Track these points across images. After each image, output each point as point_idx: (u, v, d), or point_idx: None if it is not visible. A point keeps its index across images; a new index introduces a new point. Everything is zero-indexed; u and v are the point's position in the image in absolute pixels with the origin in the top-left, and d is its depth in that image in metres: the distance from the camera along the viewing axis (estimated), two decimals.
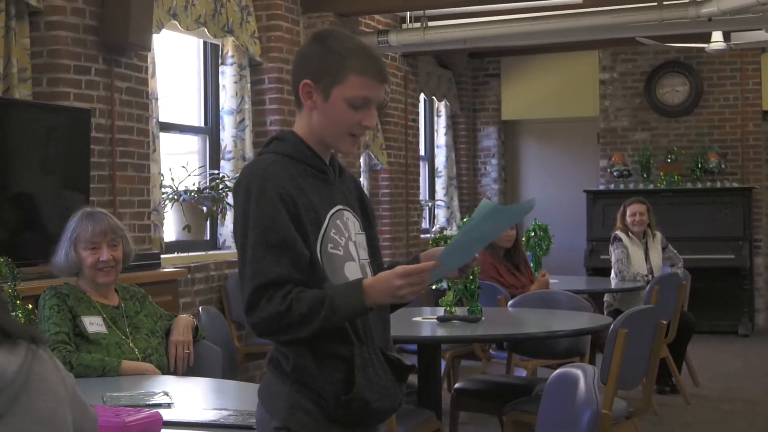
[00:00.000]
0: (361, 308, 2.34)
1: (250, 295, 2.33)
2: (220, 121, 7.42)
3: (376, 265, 2.56)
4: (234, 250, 7.28)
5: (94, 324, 3.71)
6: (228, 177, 7.21)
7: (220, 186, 7.01)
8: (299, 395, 2.37)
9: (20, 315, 3.56)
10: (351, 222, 2.52)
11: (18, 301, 3.62)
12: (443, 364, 6.15)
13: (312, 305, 2.30)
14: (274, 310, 2.30)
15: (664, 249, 7.74)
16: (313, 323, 2.31)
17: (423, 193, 10.94)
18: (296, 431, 2.37)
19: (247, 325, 2.39)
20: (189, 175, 6.98)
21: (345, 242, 2.47)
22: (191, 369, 3.90)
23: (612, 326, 4.51)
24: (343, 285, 2.39)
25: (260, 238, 2.34)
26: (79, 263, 3.80)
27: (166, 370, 3.79)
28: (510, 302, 5.89)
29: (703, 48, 9.40)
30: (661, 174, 10.99)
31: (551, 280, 6.95)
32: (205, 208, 6.94)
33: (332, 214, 2.46)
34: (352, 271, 2.45)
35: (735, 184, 10.81)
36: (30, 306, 3.68)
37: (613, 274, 7.64)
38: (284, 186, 2.38)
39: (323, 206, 2.45)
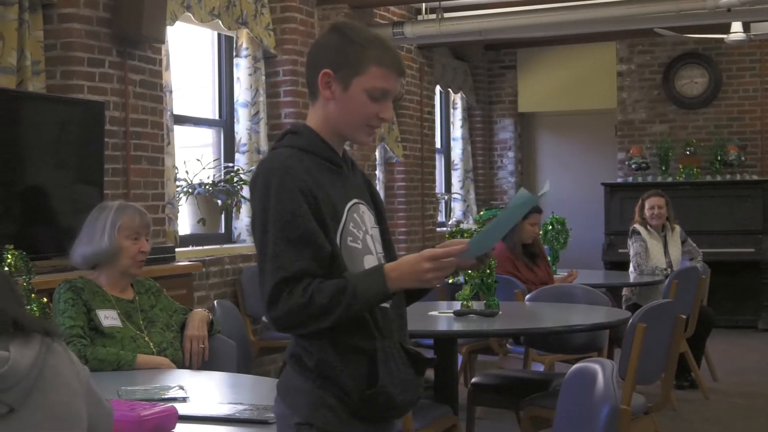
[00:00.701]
0: (383, 293, 2.34)
1: (272, 289, 2.32)
2: (235, 113, 7.43)
3: (390, 259, 2.56)
4: (249, 243, 7.30)
5: (108, 318, 3.72)
6: (243, 170, 7.21)
7: (235, 179, 7.01)
8: (322, 391, 2.37)
9: (35, 309, 3.58)
10: (367, 215, 2.53)
11: (32, 295, 3.63)
12: (460, 358, 6.14)
13: (333, 294, 2.30)
14: (295, 303, 2.30)
15: (683, 242, 7.72)
16: (336, 312, 2.30)
17: (439, 187, 10.93)
18: (319, 427, 2.36)
19: (268, 319, 2.38)
20: (203, 168, 6.99)
21: (363, 235, 2.47)
22: (206, 363, 3.90)
23: (630, 321, 4.50)
24: (364, 272, 2.38)
25: (281, 232, 2.34)
26: (119, 251, 3.81)
27: (181, 364, 3.80)
28: (527, 296, 5.88)
29: (722, 39, 9.35)
30: (680, 167, 10.95)
31: (563, 273, 6.95)
32: (219, 202, 6.95)
33: (350, 208, 2.46)
34: (371, 265, 2.45)
35: (755, 177, 10.75)
36: (45, 299, 3.69)
37: (631, 268, 7.62)
38: (303, 179, 2.38)
39: (341, 199, 2.45)
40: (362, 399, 2.37)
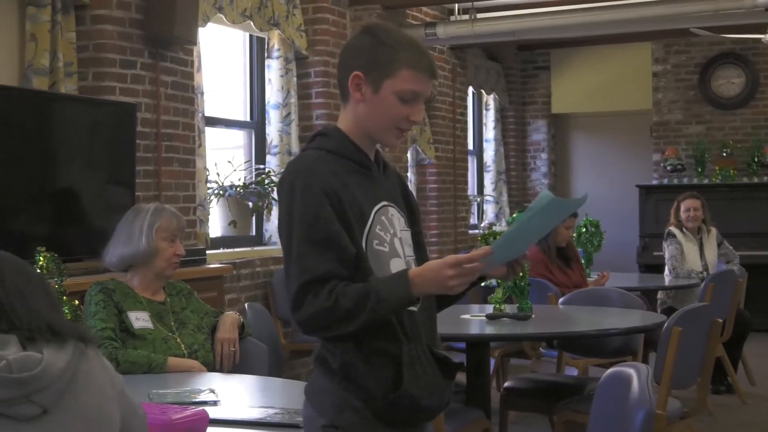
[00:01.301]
0: (407, 298, 2.34)
1: (296, 292, 2.33)
2: (266, 115, 7.45)
3: (422, 262, 2.56)
4: (280, 245, 7.30)
5: (140, 319, 3.74)
6: (274, 172, 7.23)
7: (266, 181, 7.03)
8: (347, 393, 2.37)
9: (66, 311, 3.60)
10: (396, 218, 2.52)
11: (64, 297, 3.66)
12: (492, 362, 6.13)
13: (358, 299, 2.30)
14: (320, 306, 2.30)
15: (719, 245, 7.67)
16: (360, 317, 2.31)
17: (471, 189, 10.92)
18: (344, 429, 2.37)
19: (293, 322, 2.39)
20: (234, 170, 7.01)
21: (390, 238, 2.47)
22: (237, 366, 3.92)
23: (666, 324, 4.48)
24: (389, 276, 2.38)
25: (305, 234, 2.35)
26: (156, 253, 3.84)
27: (212, 367, 3.81)
28: (561, 300, 5.86)
29: (760, 39, 9.28)
30: (716, 168, 10.88)
31: (597, 277, 6.92)
32: (250, 204, 6.97)
33: (377, 210, 2.46)
34: (398, 268, 2.44)
35: None
36: (76, 302, 3.72)
37: (666, 271, 7.58)
38: (328, 182, 2.39)
39: (368, 202, 2.45)
40: (386, 402, 2.37)
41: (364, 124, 2.49)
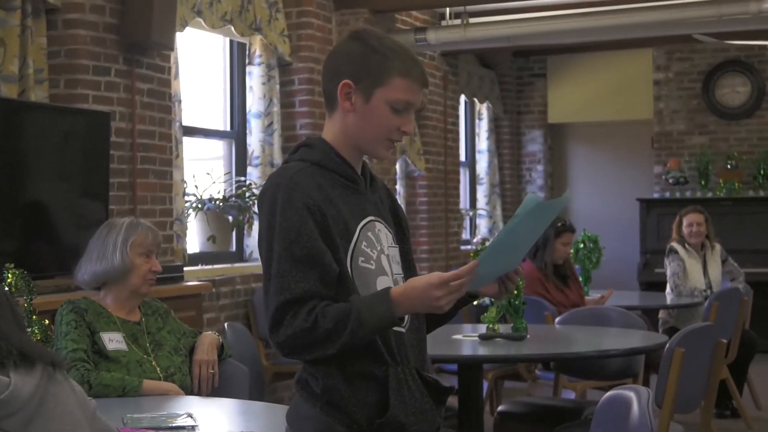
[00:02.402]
0: (390, 319, 2.33)
1: (275, 312, 2.34)
2: (247, 124, 7.45)
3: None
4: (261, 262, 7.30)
5: (113, 341, 3.73)
6: (255, 184, 7.23)
7: (247, 194, 7.03)
8: (330, 418, 2.38)
9: (36, 331, 3.59)
10: (383, 234, 2.52)
11: (34, 317, 3.65)
12: (485, 385, 6.13)
13: (338, 319, 2.30)
14: (298, 328, 2.31)
15: (723, 262, 7.69)
16: (340, 338, 2.31)
17: (463, 202, 10.93)
18: None
19: (272, 343, 2.39)
20: (214, 182, 7.02)
21: (377, 255, 2.47)
22: (216, 389, 3.91)
23: (668, 345, 4.48)
24: (370, 296, 2.38)
25: (286, 251, 2.35)
26: (131, 270, 3.83)
27: (189, 390, 3.81)
28: (557, 319, 5.87)
29: (766, 46, 9.34)
30: (721, 181, 10.91)
31: (596, 295, 6.94)
32: (230, 218, 6.97)
33: (363, 226, 2.47)
34: (385, 286, 2.44)
35: None
36: (46, 321, 3.71)
37: (668, 289, 7.60)
38: (311, 196, 2.39)
39: (353, 217, 2.45)
40: (371, 429, 2.37)
41: (353, 135, 2.49)
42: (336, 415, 2.37)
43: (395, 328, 2.42)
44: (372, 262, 2.46)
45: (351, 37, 2.54)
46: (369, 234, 2.48)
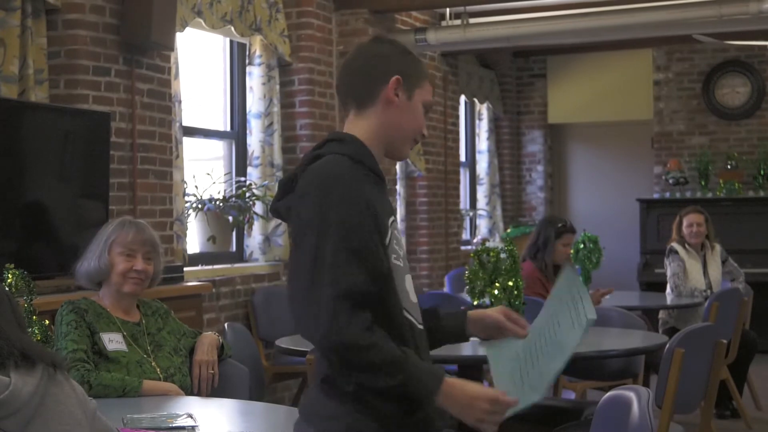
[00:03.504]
0: (428, 400, 2.37)
1: (330, 302, 2.32)
2: (247, 125, 7.45)
3: None
4: (261, 262, 7.31)
5: (113, 341, 3.73)
6: (255, 184, 7.23)
7: (247, 194, 7.03)
8: (361, 415, 2.39)
9: (36, 331, 3.59)
10: (400, 233, 2.58)
11: (34, 317, 3.65)
12: (485, 385, 6.13)
13: (391, 363, 2.32)
14: (355, 341, 2.31)
15: (723, 262, 7.69)
16: (381, 380, 2.33)
17: (463, 202, 10.93)
18: None
19: (319, 337, 2.36)
20: (214, 182, 7.01)
21: (403, 254, 2.53)
22: (216, 390, 3.91)
23: (668, 345, 4.48)
24: (427, 367, 2.40)
25: (342, 242, 2.35)
26: (110, 269, 3.83)
27: (189, 391, 3.81)
28: None
29: (766, 46, 9.34)
30: (721, 181, 10.91)
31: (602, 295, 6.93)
32: (230, 218, 6.97)
33: (391, 224, 2.50)
34: (410, 285, 2.50)
35: None
36: (47, 322, 3.71)
37: (668, 290, 7.60)
38: (366, 191, 2.42)
39: (386, 215, 2.49)
40: (403, 424, 2.39)
41: (389, 132, 2.54)
42: (368, 412, 2.38)
43: (419, 326, 2.46)
44: (401, 259, 2.50)
45: (375, 41, 2.66)
46: (395, 232, 2.52)
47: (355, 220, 2.37)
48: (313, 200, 2.40)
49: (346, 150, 2.50)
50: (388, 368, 2.31)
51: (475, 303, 5.72)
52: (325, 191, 2.39)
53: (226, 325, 5.10)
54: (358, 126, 2.55)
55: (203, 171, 7.02)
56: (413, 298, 2.53)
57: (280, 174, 7.38)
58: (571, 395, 6.13)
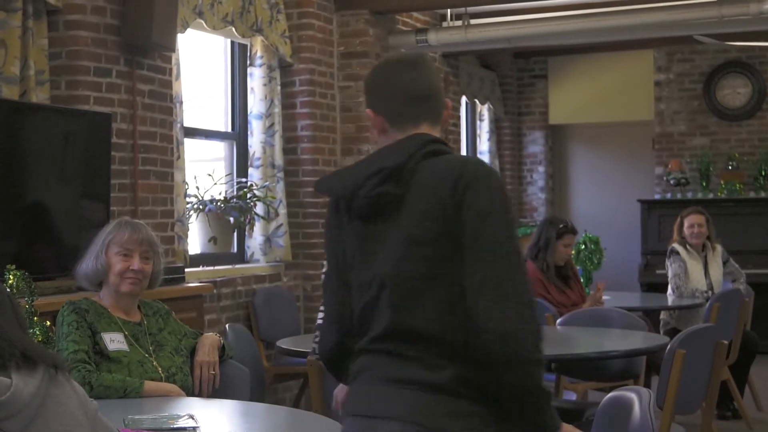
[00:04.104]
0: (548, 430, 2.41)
1: (527, 306, 2.35)
2: (248, 125, 7.45)
3: None
4: (262, 263, 7.31)
5: (115, 341, 3.74)
6: (256, 185, 7.23)
7: (248, 195, 7.03)
8: (491, 410, 2.40)
9: (38, 332, 3.59)
10: None
11: (35, 318, 3.65)
12: None
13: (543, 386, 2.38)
14: (538, 356, 2.34)
15: (725, 263, 7.69)
16: (537, 400, 2.37)
17: None
18: None
19: (517, 333, 2.34)
20: (215, 183, 7.01)
21: None
22: (217, 391, 3.91)
23: (669, 346, 4.48)
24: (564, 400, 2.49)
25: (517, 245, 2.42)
26: (107, 270, 3.83)
27: (190, 392, 3.81)
28: (559, 320, 5.86)
29: (767, 47, 9.33)
30: (722, 182, 10.91)
31: (603, 297, 6.92)
32: (232, 219, 6.97)
33: None
34: None
35: None
36: (48, 322, 3.71)
37: (669, 290, 7.59)
38: None
39: None
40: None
41: None
42: (493, 408, 2.39)
43: None
44: None
45: (427, 57, 2.82)
46: None
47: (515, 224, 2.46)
48: (497, 191, 2.42)
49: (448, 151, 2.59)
50: (547, 393, 2.38)
51: None
52: (500, 188, 2.43)
53: (227, 326, 5.10)
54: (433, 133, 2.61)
55: (204, 172, 7.02)
56: None
57: (281, 175, 7.38)
58: (573, 396, 6.13)
